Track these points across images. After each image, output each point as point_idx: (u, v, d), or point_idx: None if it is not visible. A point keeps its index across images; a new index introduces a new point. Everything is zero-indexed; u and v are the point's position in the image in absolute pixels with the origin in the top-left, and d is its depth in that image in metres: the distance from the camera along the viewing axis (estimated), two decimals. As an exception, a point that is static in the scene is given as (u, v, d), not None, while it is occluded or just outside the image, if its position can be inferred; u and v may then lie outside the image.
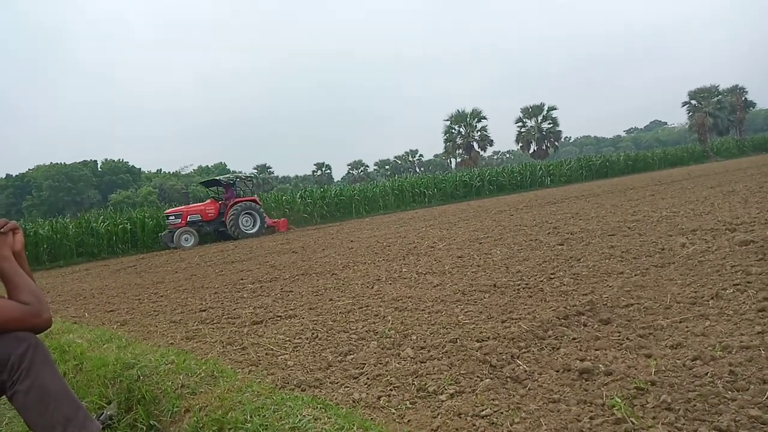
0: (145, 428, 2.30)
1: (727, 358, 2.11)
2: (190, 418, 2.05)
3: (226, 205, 16.89)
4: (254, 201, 17.23)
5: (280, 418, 1.80)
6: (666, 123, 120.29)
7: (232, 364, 2.83)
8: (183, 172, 79.65)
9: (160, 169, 79.73)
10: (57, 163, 66.54)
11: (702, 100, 52.67)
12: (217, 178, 18.48)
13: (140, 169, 76.71)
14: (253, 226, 16.80)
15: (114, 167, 73.12)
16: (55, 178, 62.67)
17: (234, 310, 4.53)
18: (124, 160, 75.53)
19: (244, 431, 1.78)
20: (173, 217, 16.48)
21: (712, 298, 2.97)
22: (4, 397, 1.78)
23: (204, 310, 4.72)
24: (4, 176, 68.14)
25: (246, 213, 16.73)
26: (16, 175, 68.20)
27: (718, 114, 51.15)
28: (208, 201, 17.61)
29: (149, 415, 2.32)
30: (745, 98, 54.08)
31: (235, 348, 3.25)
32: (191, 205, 17.98)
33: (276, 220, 18.34)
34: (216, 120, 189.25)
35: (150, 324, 4.46)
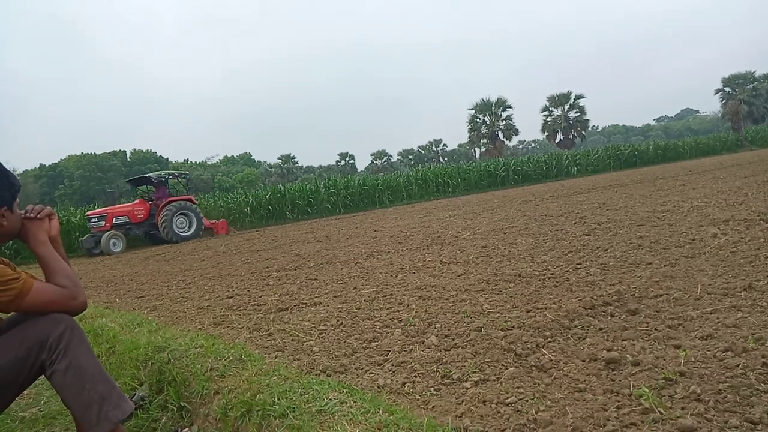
0: (175, 409, 2.36)
1: (760, 350, 2.06)
2: (220, 400, 2.10)
3: (158, 206, 15.45)
4: (189, 200, 15.88)
5: (307, 401, 1.83)
6: (698, 111, 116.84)
7: (259, 350, 2.88)
8: (209, 162, 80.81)
9: (187, 159, 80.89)
10: (87, 153, 68.11)
11: (736, 87, 50.95)
12: (147, 175, 16.77)
13: (168, 159, 78.00)
14: (189, 227, 15.49)
15: (142, 157, 74.46)
16: (86, 168, 64.16)
17: (260, 297, 4.60)
18: (152, 150, 76.93)
19: (272, 413, 1.81)
20: (96, 220, 14.86)
21: (744, 289, 2.90)
22: (42, 377, 1.84)
23: (231, 297, 4.81)
24: (37, 166, 70.02)
25: (180, 214, 15.34)
26: (49, 165, 70.02)
27: (754, 101, 49.47)
28: (137, 201, 16.01)
29: (180, 397, 2.39)
30: (783, 85, 52.11)
31: (261, 334, 3.31)
32: (117, 206, 16.27)
33: (214, 221, 16.96)
34: (241, 111, 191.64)
35: (179, 310, 4.56)
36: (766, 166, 13.08)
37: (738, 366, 1.95)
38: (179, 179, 17.23)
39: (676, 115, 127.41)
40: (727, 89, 51.76)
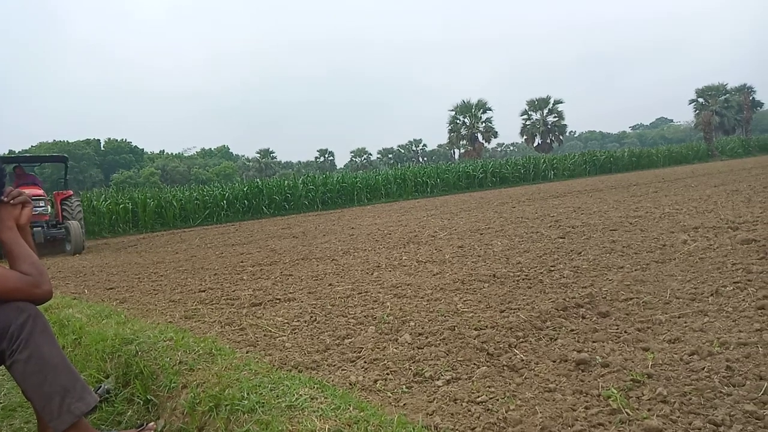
0: (142, 402, 2.32)
1: (724, 353, 2.11)
2: (187, 394, 2.06)
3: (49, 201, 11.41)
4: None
5: (277, 396, 1.81)
6: (672, 120, 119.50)
7: (231, 344, 2.84)
8: (186, 154, 79.66)
9: (163, 150, 79.53)
10: (60, 141, 66.40)
11: (709, 98, 52.34)
12: (65, 155, 12.84)
13: (143, 149, 76.55)
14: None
15: (117, 147, 72.97)
16: (58, 156, 62.54)
17: (233, 291, 4.54)
18: (127, 140, 75.42)
19: (240, 408, 1.79)
20: (43, 204, 10.70)
21: (711, 294, 2.97)
22: (2, 367, 1.78)
23: (203, 291, 4.74)
24: (6, 152, 67.96)
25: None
26: (19, 151, 68.00)
27: (725, 113, 50.91)
28: (33, 186, 10.93)
29: (146, 390, 2.34)
30: (753, 98, 53.72)
31: (233, 328, 3.26)
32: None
33: None
34: (220, 104, 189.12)
35: (149, 302, 4.47)
36: (736, 176, 13.45)
37: (703, 369, 2.00)
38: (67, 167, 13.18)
39: (650, 124, 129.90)
40: (700, 100, 53.10)
